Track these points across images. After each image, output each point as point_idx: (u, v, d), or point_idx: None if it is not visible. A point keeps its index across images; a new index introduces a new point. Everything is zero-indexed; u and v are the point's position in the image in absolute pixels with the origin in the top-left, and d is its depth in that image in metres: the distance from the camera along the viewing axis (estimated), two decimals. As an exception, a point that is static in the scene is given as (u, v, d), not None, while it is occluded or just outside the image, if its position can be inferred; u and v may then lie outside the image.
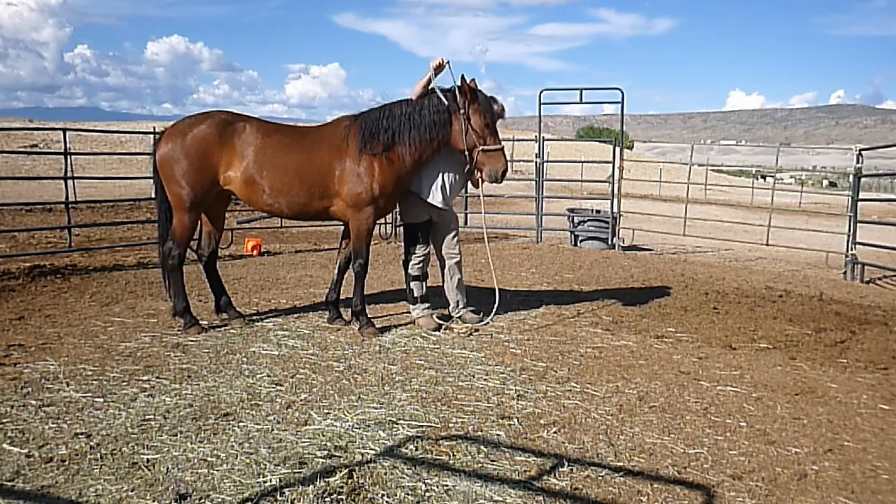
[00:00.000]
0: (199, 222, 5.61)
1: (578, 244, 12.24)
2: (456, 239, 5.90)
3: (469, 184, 6.04)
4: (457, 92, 5.35)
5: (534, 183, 12.82)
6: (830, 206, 26.82)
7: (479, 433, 3.65)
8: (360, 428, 3.64)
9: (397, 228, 12.61)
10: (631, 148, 59.84)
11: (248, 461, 3.23)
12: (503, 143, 5.48)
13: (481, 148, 5.33)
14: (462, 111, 5.31)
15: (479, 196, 5.91)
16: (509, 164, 5.60)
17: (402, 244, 6.07)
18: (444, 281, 6.05)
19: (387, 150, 5.31)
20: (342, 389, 4.26)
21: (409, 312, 6.25)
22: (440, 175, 5.65)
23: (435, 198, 5.66)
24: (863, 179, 10.44)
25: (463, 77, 5.31)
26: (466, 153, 5.38)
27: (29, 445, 3.35)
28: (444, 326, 5.78)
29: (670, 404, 4.17)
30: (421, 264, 5.87)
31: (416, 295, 5.87)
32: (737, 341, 5.71)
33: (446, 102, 5.34)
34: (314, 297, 6.86)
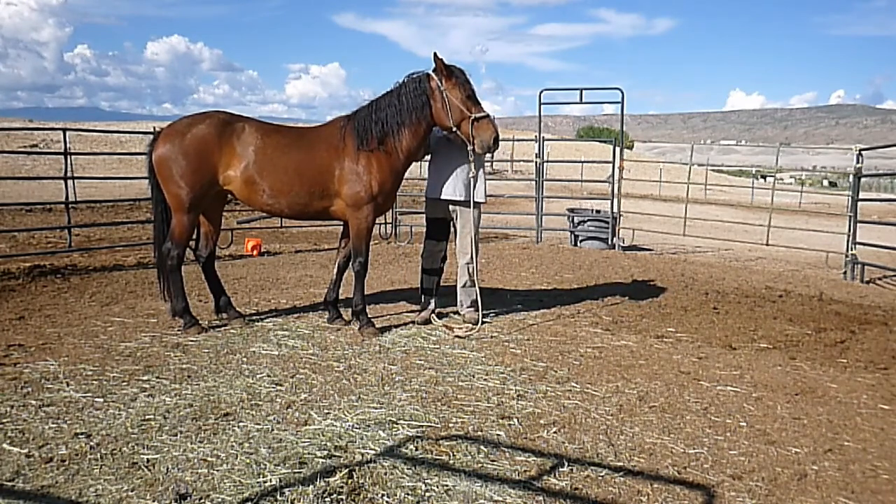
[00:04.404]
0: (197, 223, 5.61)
1: (578, 244, 12.24)
2: (469, 239, 5.91)
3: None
4: (431, 72, 5.38)
5: (534, 183, 12.81)
6: (830, 206, 26.80)
7: (479, 433, 3.65)
8: (360, 428, 3.64)
9: (397, 228, 12.62)
10: (631, 148, 59.85)
11: (248, 461, 3.23)
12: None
13: (472, 117, 5.32)
14: (440, 89, 5.32)
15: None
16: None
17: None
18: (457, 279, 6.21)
19: (381, 144, 5.34)
20: (342, 389, 4.26)
21: (409, 312, 6.29)
22: (451, 172, 5.77)
23: (445, 193, 5.80)
24: (863, 179, 10.44)
25: (435, 54, 5.32)
26: (455, 129, 5.38)
27: (29, 445, 3.35)
28: (442, 324, 5.80)
29: (670, 404, 4.17)
30: (430, 258, 6.00)
31: (424, 286, 6.07)
32: (737, 341, 5.71)
33: (422, 85, 5.37)
34: (314, 297, 6.86)
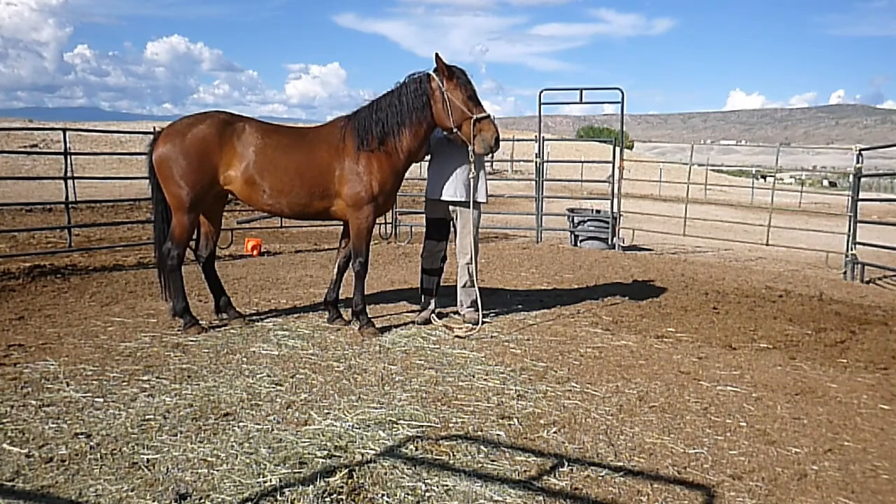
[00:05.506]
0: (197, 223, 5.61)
1: (578, 244, 12.23)
2: (469, 239, 5.91)
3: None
4: (432, 73, 5.38)
5: (534, 183, 12.81)
6: (830, 206, 26.81)
7: (479, 433, 3.65)
8: (360, 428, 3.64)
9: (397, 228, 12.63)
10: (631, 148, 59.83)
11: (248, 461, 3.23)
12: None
13: (474, 118, 5.31)
14: (441, 89, 5.32)
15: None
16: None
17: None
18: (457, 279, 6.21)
19: (382, 144, 5.34)
20: (342, 389, 4.26)
21: (409, 312, 6.29)
22: (451, 173, 5.78)
23: (446, 194, 5.81)
24: (863, 179, 10.44)
25: (437, 55, 5.32)
26: (456, 129, 5.38)
27: (29, 445, 3.35)
28: (442, 324, 5.81)
29: (670, 404, 4.17)
30: (430, 258, 6.01)
31: (424, 286, 6.07)
32: (737, 341, 5.71)
33: (423, 86, 5.36)
34: (314, 297, 6.86)
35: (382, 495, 2.96)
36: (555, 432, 3.70)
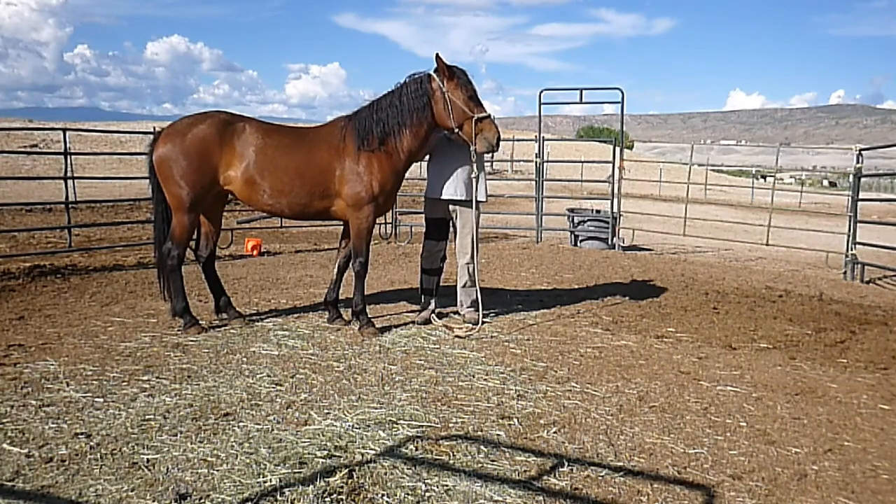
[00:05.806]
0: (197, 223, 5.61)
1: (578, 244, 12.23)
2: (469, 239, 5.91)
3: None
4: (432, 73, 5.38)
5: (534, 183, 12.82)
6: (830, 206, 26.81)
7: (479, 433, 3.65)
8: (360, 428, 3.64)
9: (397, 228, 12.63)
10: (631, 148, 59.80)
11: (248, 461, 3.23)
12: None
13: (475, 117, 5.31)
14: (442, 90, 5.32)
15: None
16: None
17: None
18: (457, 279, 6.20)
19: (382, 144, 5.34)
20: (342, 389, 4.26)
21: (409, 312, 6.29)
22: (451, 172, 5.77)
23: (446, 193, 5.80)
24: (863, 179, 10.44)
25: (437, 55, 5.32)
26: (457, 129, 5.38)
27: (29, 445, 3.35)
28: (442, 324, 5.81)
29: (670, 404, 4.17)
30: (430, 258, 6.00)
31: (424, 286, 6.06)
32: (737, 341, 5.71)
33: (423, 86, 5.36)
34: (314, 297, 6.86)
35: (382, 495, 2.96)
36: (555, 432, 3.70)
